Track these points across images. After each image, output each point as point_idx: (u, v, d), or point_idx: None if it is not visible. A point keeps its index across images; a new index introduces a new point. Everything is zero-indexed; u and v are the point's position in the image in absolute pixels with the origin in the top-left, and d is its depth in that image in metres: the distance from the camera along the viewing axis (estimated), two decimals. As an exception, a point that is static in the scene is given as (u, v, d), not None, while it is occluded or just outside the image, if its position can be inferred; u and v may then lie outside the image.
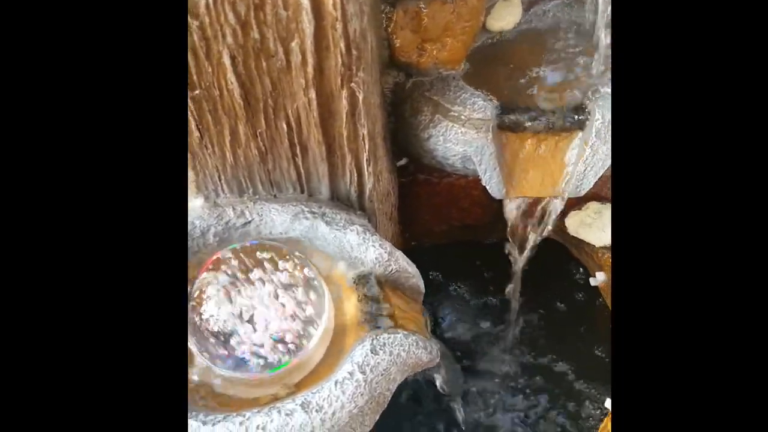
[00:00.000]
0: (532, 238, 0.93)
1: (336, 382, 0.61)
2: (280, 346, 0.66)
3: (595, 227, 1.03)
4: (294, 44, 0.61)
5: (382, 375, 0.64)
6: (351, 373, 0.62)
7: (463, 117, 0.80)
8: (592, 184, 0.82)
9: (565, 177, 0.82)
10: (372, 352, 0.64)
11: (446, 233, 1.15)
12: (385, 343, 0.65)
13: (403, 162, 1.00)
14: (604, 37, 0.79)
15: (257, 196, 0.75)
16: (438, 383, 0.89)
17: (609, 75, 0.84)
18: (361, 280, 0.72)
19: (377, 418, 0.66)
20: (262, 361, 0.66)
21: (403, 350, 0.66)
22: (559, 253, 1.14)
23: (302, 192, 0.77)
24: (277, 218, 0.74)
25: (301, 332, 0.67)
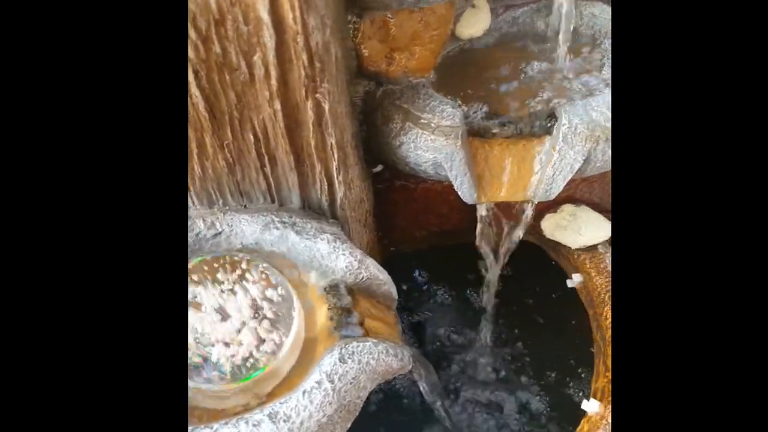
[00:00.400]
0: (506, 244, 0.93)
1: (304, 392, 0.62)
2: (249, 357, 0.67)
3: (570, 229, 1.04)
4: (256, 58, 0.62)
5: (351, 383, 0.64)
6: (319, 383, 0.63)
7: (432, 124, 0.81)
8: (561, 188, 0.82)
9: (534, 181, 0.83)
10: (340, 361, 0.64)
11: (425, 239, 1.15)
12: (353, 352, 0.65)
13: (378, 169, 1.01)
14: (563, 45, 0.80)
15: (227, 207, 0.76)
16: (421, 387, 0.90)
17: (575, 81, 0.85)
18: (332, 289, 0.72)
19: (348, 426, 0.67)
20: (231, 372, 0.66)
21: (373, 358, 0.66)
22: (537, 255, 1.15)
23: (273, 201, 0.77)
24: (247, 228, 0.74)
25: (271, 342, 0.68)
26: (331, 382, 0.63)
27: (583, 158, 0.80)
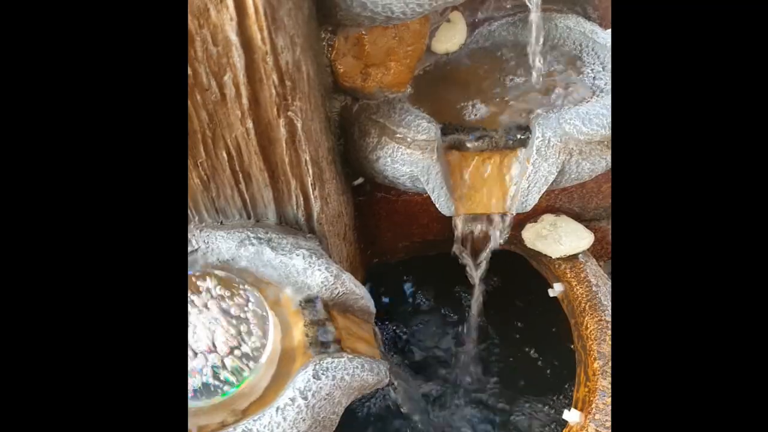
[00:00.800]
0: (484, 254, 0.94)
1: (277, 409, 0.62)
2: (224, 374, 0.67)
3: (550, 239, 1.05)
4: (227, 78, 0.62)
5: (325, 399, 0.64)
6: (292, 399, 0.63)
7: (408, 139, 0.82)
8: (536, 200, 0.83)
9: (510, 193, 0.84)
10: (314, 377, 0.64)
11: (408, 249, 1.16)
12: (328, 368, 0.66)
13: (359, 182, 1.01)
14: (539, 59, 0.81)
15: (203, 224, 0.76)
16: (399, 399, 0.90)
17: (550, 93, 0.86)
18: (307, 304, 0.72)
19: (325, 441, 0.67)
20: (207, 389, 0.67)
21: (347, 374, 0.67)
22: (520, 265, 1.15)
23: (249, 217, 0.78)
24: (223, 245, 0.75)
25: (246, 359, 0.68)
26: (305, 398, 0.63)
27: (558, 170, 0.80)
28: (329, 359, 0.67)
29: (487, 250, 0.94)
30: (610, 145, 0.83)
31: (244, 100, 0.64)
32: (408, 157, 0.82)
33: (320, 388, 0.64)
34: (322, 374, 0.65)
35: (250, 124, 0.67)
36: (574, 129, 0.78)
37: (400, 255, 1.17)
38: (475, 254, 0.97)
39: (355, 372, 0.68)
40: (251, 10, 0.57)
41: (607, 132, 0.79)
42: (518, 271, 1.15)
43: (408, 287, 1.17)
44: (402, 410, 0.87)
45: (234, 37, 0.59)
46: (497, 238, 0.90)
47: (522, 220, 1.06)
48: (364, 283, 1.11)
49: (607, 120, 0.79)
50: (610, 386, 0.86)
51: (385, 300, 1.20)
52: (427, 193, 0.88)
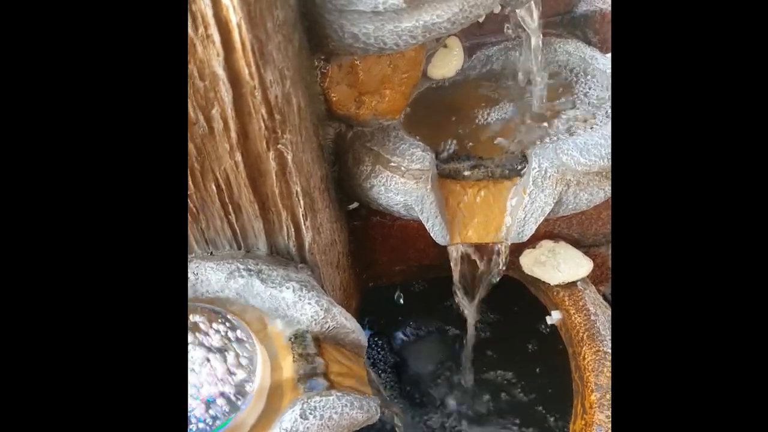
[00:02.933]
0: (482, 285, 0.93)
1: (263, 451, 0.61)
2: (212, 411, 0.66)
3: (549, 266, 1.03)
4: (215, 112, 0.61)
5: (312, 439, 0.63)
6: (279, 440, 0.61)
7: (402, 168, 0.81)
8: (533, 230, 0.82)
9: (506, 224, 0.82)
10: (302, 417, 0.63)
11: (404, 273, 1.14)
12: (316, 407, 0.64)
13: (354, 206, 1.00)
14: (538, 86, 0.80)
15: (193, 255, 0.75)
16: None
17: (548, 122, 0.85)
18: (297, 338, 0.71)
19: (315, 480, 0.65)
20: (194, 427, 0.65)
21: (335, 413, 0.65)
22: (518, 291, 1.14)
23: (239, 248, 0.77)
24: (213, 276, 0.73)
25: (234, 396, 0.66)
26: (292, 439, 0.62)
27: (554, 201, 0.79)
28: (317, 398, 0.65)
29: (485, 282, 0.92)
30: (608, 176, 0.81)
31: (233, 134, 0.63)
32: (402, 187, 0.81)
33: (307, 428, 0.63)
34: (310, 414, 0.63)
35: (239, 157, 0.66)
36: (572, 160, 0.77)
37: (395, 279, 1.15)
38: (472, 284, 0.96)
39: (344, 410, 0.66)
40: (238, 45, 0.56)
41: (605, 163, 0.78)
42: (517, 296, 1.13)
43: (403, 311, 1.16)
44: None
45: (221, 72, 0.58)
46: (494, 269, 0.88)
47: (520, 246, 1.05)
48: (359, 308, 1.10)
49: (606, 150, 0.78)
50: (607, 420, 0.84)
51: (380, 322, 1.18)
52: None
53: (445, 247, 1.06)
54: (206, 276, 0.74)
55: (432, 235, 0.84)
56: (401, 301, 1.17)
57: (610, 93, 0.90)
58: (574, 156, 0.77)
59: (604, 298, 1.18)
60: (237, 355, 0.68)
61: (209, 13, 0.54)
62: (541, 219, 0.80)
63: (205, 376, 0.67)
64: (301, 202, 0.72)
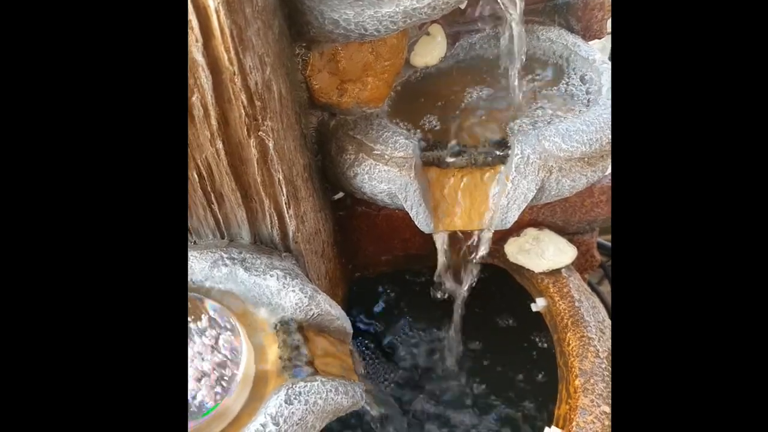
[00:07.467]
0: (467, 272, 0.93)
1: (247, 436, 0.61)
2: (197, 398, 0.66)
3: (533, 253, 1.04)
4: (195, 98, 0.61)
5: (297, 424, 0.63)
6: (264, 425, 0.62)
7: (386, 156, 0.81)
8: (516, 217, 0.82)
9: (489, 211, 0.83)
10: (286, 402, 0.63)
11: (391, 262, 1.15)
12: (300, 392, 0.64)
13: (339, 196, 1.00)
14: (520, 73, 0.80)
15: (176, 244, 0.75)
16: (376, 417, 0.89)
17: (531, 108, 0.85)
18: (282, 326, 0.71)
19: (299, 466, 0.66)
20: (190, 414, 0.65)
21: (320, 398, 0.65)
22: (503, 278, 1.14)
23: (223, 237, 0.76)
24: (196, 266, 0.73)
25: (218, 383, 0.67)
26: (276, 424, 0.62)
27: (537, 188, 0.79)
28: (302, 383, 0.65)
29: (470, 269, 0.93)
30: (591, 162, 0.82)
31: (213, 121, 0.63)
32: (386, 175, 0.81)
33: (292, 413, 0.63)
34: (295, 399, 0.64)
35: (220, 145, 0.65)
36: (554, 146, 0.77)
37: (381, 269, 1.15)
38: (457, 272, 0.96)
39: (329, 396, 0.66)
40: (217, 31, 0.56)
41: (587, 149, 0.78)
42: (502, 284, 1.14)
43: (389, 300, 1.16)
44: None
45: (200, 58, 0.58)
46: (482, 255, 0.89)
47: (505, 233, 1.05)
48: (346, 298, 1.11)
49: (588, 136, 0.78)
50: (590, 404, 0.85)
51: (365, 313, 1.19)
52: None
53: (430, 237, 1.07)
54: (190, 265, 0.74)
55: (416, 223, 0.85)
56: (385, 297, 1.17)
57: (591, 80, 0.91)
58: (557, 142, 0.77)
59: (589, 285, 1.19)
60: (222, 343, 0.68)
61: (187, -2, 0.54)
62: (524, 205, 0.81)
63: (189, 365, 0.67)
64: (284, 190, 0.72)
